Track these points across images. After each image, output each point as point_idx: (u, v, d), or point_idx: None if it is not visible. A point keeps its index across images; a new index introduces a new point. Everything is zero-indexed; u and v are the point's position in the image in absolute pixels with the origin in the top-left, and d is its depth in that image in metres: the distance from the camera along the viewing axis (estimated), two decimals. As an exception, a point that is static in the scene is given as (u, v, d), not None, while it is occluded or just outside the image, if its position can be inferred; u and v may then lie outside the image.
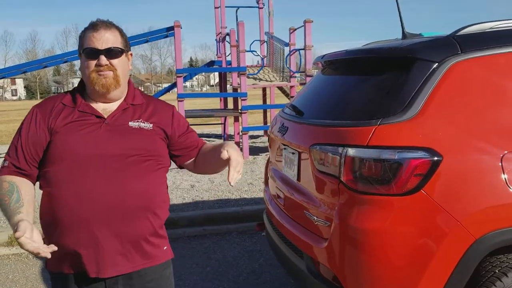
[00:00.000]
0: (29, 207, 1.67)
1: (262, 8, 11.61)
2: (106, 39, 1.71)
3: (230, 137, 11.89)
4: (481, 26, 2.24)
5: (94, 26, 1.73)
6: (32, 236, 1.51)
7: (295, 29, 9.53)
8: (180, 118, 1.93)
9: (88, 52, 1.71)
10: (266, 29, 11.58)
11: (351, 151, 2.06)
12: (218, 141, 2.32)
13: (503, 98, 2.08)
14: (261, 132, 12.13)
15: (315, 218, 2.26)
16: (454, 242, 1.91)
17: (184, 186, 6.66)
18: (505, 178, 1.94)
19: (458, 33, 2.21)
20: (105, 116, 1.76)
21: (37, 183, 1.78)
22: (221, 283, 3.68)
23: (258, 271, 3.87)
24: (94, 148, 1.70)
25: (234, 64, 9.38)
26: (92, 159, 1.69)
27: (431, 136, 1.98)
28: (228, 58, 11.64)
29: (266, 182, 3.36)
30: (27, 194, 1.69)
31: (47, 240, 1.63)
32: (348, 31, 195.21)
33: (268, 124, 11.58)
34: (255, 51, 10.90)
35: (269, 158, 3.39)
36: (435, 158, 1.93)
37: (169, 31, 8.58)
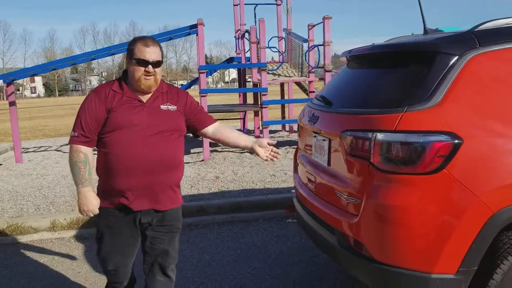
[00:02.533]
0: (93, 173, 2.49)
1: (280, 5, 11.82)
2: (153, 54, 2.42)
3: (249, 132, 12.16)
4: (497, 22, 2.47)
5: (146, 42, 2.42)
6: (92, 203, 2.48)
7: (314, 26, 9.74)
8: (193, 101, 2.70)
9: (140, 62, 2.40)
10: (284, 26, 11.81)
11: (380, 136, 2.30)
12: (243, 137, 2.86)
13: None
14: (279, 127, 12.38)
15: (346, 197, 2.51)
16: (473, 216, 2.14)
17: (209, 177, 6.94)
18: (518, 159, 2.16)
19: (476, 29, 2.44)
20: (144, 101, 2.49)
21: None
22: (252, 264, 3.95)
23: (286, 254, 4.14)
24: (140, 123, 2.42)
25: (254, 60, 9.63)
26: (138, 130, 2.41)
27: (452, 121, 2.21)
28: (247, 55, 11.91)
29: (295, 169, 3.61)
30: (93, 161, 2.49)
31: (101, 183, 2.53)
32: (356, 28, 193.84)
33: (287, 118, 11.81)
34: (275, 47, 11.12)
35: (297, 147, 3.65)
36: (456, 141, 2.16)
37: (192, 29, 8.85)
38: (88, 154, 2.45)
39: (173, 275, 2.72)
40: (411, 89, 2.35)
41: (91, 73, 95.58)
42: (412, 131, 2.23)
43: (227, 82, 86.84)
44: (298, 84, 11.85)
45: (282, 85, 12.16)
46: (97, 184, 2.59)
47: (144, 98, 2.48)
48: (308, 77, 9.68)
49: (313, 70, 9.74)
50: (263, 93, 8.70)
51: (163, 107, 2.51)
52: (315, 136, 3.03)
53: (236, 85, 16.93)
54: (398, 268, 2.26)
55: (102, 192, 2.53)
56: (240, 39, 11.73)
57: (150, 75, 2.41)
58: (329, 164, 2.80)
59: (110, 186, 2.47)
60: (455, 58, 2.32)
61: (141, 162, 2.40)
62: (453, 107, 2.24)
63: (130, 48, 2.44)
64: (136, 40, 2.46)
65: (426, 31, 2.97)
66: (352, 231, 2.46)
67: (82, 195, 2.47)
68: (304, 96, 12.60)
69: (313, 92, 9.74)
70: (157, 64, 2.43)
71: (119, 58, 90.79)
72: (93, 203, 2.48)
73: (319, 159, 2.94)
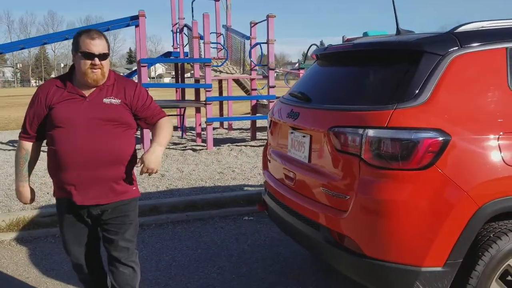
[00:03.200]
0: (32, 166, 2.62)
1: (218, 0, 11.72)
2: (99, 46, 2.39)
3: (190, 129, 11.95)
4: (474, 25, 2.58)
5: (91, 35, 2.38)
6: (24, 197, 2.63)
7: (256, 23, 9.76)
8: (141, 94, 2.57)
9: (86, 55, 2.37)
10: (223, 22, 11.73)
11: (371, 132, 2.32)
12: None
13: (496, 87, 2.41)
14: (217, 124, 12.27)
15: (333, 193, 2.51)
16: (461, 210, 2.23)
17: (154, 175, 6.70)
18: (501, 156, 2.28)
19: (456, 30, 2.54)
20: (87, 95, 2.46)
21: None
22: (215, 263, 3.86)
23: (249, 251, 4.09)
24: (78, 118, 2.41)
25: (196, 56, 9.47)
26: (77, 125, 2.40)
27: (440, 119, 2.29)
28: (186, 49, 11.68)
29: (265, 166, 3.58)
30: (33, 157, 2.60)
31: (51, 175, 2.54)
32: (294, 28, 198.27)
33: (225, 115, 11.74)
34: (220, 43, 11.01)
35: (267, 143, 3.61)
36: (445, 138, 2.24)
37: (132, 20, 8.51)
38: (29, 150, 2.57)
39: (134, 266, 2.66)
40: (399, 87, 2.40)
41: (5, 64, 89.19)
42: (403, 128, 2.28)
43: (153, 78, 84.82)
44: (237, 81, 11.83)
45: (220, 82, 12.06)
46: None
47: (88, 92, 2.46)
48: (251, 74, 9.68)
49: (255, 67, 9.75)
50: (207, 89, 8.57)
51: (105, 100, 2.46)
52: (292, 133, 3.01)
53: (162, 80, 16.46)
54: (389, 262, 2.30)
55: (55, 184, 2.57)
56: (178, 33, 11.48)
57: (97, 68, 2.40)
58: (309, 160, 2.79)
59: (56, 180, 2.52)
60: (439, 57, 2.40)
61: (79, 157, 2.40)
62: (440, 105, 2.31)
63: (75, 41, 2.42)
64: (80, 33, 2.42)
65: (399, 31, 3.05)
66: (340, 227, 2.47)
67: (17, 189, 2.64)
68: (242, 93, 12.61)
69: (255, 90, 9.77)
70: (103, 56, 2.40)
71: (35, 49, 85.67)
72: (25, 197, 2.64)
73: (298, 155, 2.92)
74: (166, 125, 2.60)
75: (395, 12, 3.07)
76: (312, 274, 3.61)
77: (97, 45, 2.38)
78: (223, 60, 10.50)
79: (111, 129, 2.44)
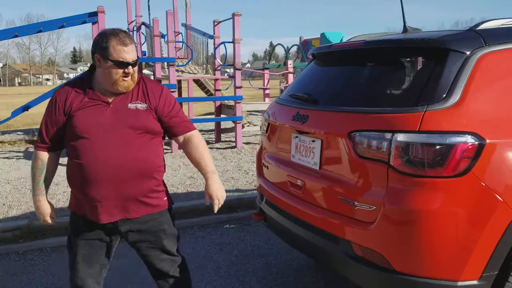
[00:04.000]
0: (50, 179, 2.33)
1: (176, -2, 11.34)
2: (132, 53, 2.15)
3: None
4: (494, 23, 2.46)
5: (123, 41, 2.11)
6: (42, 213, 2.33)
7: (220, 22, 9.48)
8: (167, 100, 2.30)
9: (120, 64, 2.11)
10: (182, 21, 11.35)
11: (401, 136, 2.14)
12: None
13: None
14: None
15: (356, 203, 2.30)
16: (498, 219, 2.08)
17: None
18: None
19: (477, 28, 2.40)
20: (110, 101, 2.19)
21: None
22: (203, 277, 3.57)
23: (237, 263, 3.83)
24: (102, 126, 2.14)
25: (157, 55, 9.07)
26: (102, 135, 2.13)
27: (473, 121, 2.13)
28: (143, 48, 11.22)
29: (260, 172, 3.33)
30: (51, 168, 2.31)
31: (72, 189, 2.30)
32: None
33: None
34: (185, 42, 10.62)
35: (261, 148, 3.37)
36: (480, 142, 2.08)
37: (90, 17, 7.99)
38: (45, 161, 2.29)
39: (182, 275, 2.50)
40: (427, 87, 2.23)
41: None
42: (436, 132, 2.11)
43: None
44: (197, 81, 11.48)
45: (180, 82, 11.66)
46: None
47: (111, 98, 2.21)
48: (214, 74, 9.37)
49: (219, 67, 9.46)
50: (172, 90, 8.18)
51: (131, 105, 2.21)
52: (297, 137, 2.79)
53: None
54: (422, 278, 2.12)
55: (74, 197, 2.32)
56: (135, 31, 11.00)
57: (129, 76, 2.17)
58: (321, 167, 2.58)
59: (77, 195, 2.26)
60: (465, 56, 2.25)
61: (104, 172, 2.15)
62: (471, 106, 2.16)
63: (102, 46, 2.13)
64: (108, 36, 2.13)
65: (406, 29, 2.90)
66: (364, 240, 2.27)
67: (35, 204, 2.36)
68: (202, 94, 12.27)
69: (219, 90, 9.47)
70: (135, 63, 2.19)
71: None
72: (43, 213, 2.34)
73: (305, 161, 2.70)
74: (203, 144, 2.39)
75: (402, 10, 2.92)
76: (311, 285, 3.40)
77: (130, 52, 2.13)
78: (187, 60, 10.13)
79: (138, 138, 2.19)
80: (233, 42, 8.44)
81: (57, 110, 2.20)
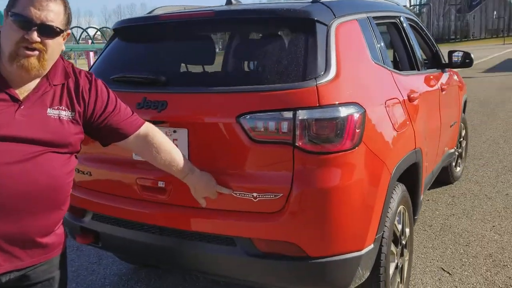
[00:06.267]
0: None
1: None
2: (47, 11, 1.43)
3: None
4: None
5: None
6: None
7: None
8: (103, 93, 1.69)
9: (20, 20, 1.42)
10: None
11: (304, 114, 1.97)
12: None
13: (364, 57, 2.45)
14: None
15: (254, 194, 2.02)
16: (383, 181, 2.21)
17: None
18: (391, 122, 2.37)
19: (321, 0, 2.42)
20: (21, 98, 1.48)
21: None
22: None
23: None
24: (4, 138, 1.42)
25: None
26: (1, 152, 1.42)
27: (353, 91, 2.16)
28: None
29: (76, 183, 2.54)
30: None
31: None
32: None
33: None
34: None
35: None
36: (363, 111, 2.13)
37: None
38: None
39: None
40: (309, 61, 2.11)
41: None
42: (331, 105, 2.03)
43: None
44: None
45: None
46: None
47: (22, 91, 1.49)
48: None
49: None
50: None
51: (51, 112, 1.53)
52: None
53: None
54: (333, 256, 2.05)
55: None
56: None
57: (34, 49, 1.44)
58: (191, 162, 2.16)
59: None
60: (327, 27, 2.24)
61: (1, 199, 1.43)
62: (347, 77, 2.17)
63: None
64: None
65: (230, 1, 2.68)
66: (270, 234, 2.03)
67: None
68: None
69: None
70: (48, 31, 1.45)
71: None
72: None
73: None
74: (165, 137, 1.89)
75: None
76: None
77: (43, 10, 1.42)
78: None
79: (52, 158, 1.51)
80: None
81: None
